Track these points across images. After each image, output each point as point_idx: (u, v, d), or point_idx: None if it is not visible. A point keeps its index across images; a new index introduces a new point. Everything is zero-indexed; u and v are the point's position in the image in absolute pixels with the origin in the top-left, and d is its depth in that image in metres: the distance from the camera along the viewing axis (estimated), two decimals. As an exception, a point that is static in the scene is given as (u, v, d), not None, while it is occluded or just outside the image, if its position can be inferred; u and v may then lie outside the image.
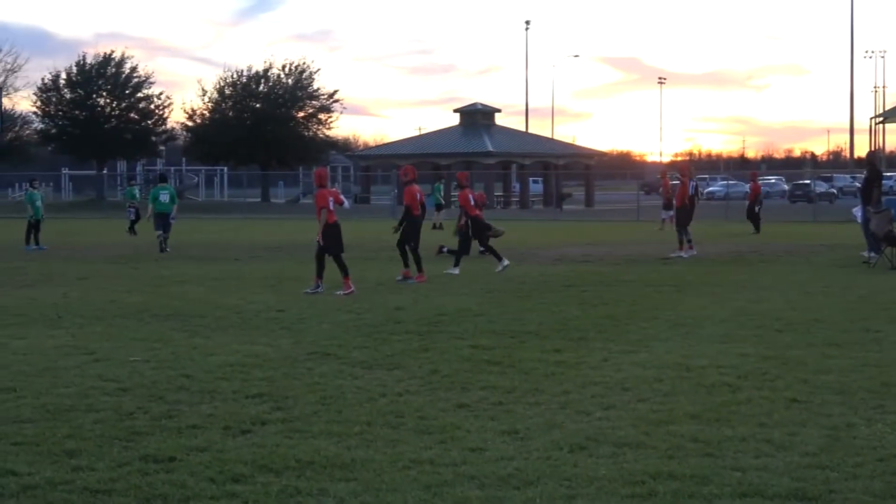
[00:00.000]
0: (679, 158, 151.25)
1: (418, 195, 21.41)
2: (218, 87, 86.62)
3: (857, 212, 26.03)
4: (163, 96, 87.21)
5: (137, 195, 41.92)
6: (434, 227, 41.84)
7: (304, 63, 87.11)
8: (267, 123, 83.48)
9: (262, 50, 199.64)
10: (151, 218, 30.77)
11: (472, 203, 23.77)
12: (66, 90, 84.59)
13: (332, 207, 19.02)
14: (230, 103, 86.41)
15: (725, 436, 8.39)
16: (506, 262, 23.02)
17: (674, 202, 30.15)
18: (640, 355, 12.14)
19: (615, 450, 8.02)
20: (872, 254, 24.94)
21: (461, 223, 25.22)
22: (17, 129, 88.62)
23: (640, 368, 11.30)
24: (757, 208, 39.27)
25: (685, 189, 27.90)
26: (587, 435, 8.44)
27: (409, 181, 21.40)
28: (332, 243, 18.98)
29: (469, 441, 8.30)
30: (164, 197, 30.84)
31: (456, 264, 23.00)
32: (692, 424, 8.77)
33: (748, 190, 43.35)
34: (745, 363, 11.55)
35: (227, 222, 53.43)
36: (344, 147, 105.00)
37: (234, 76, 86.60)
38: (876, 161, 27.30)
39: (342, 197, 20.08)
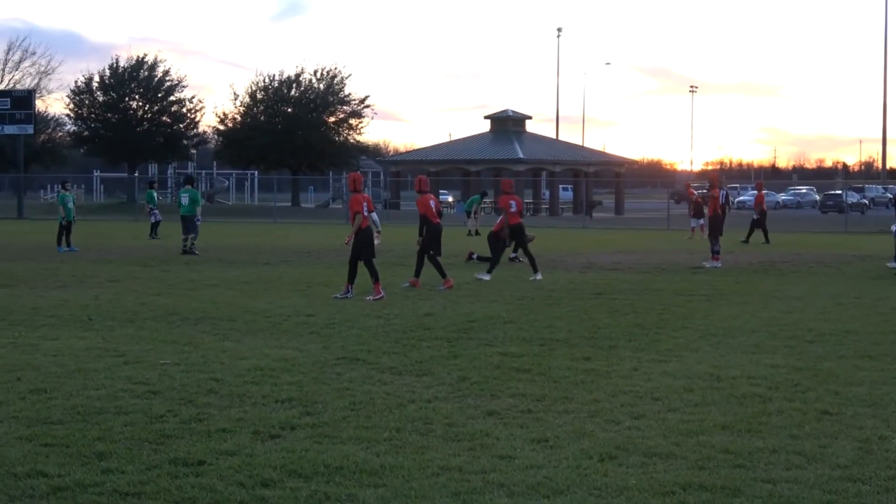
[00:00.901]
0: (710, 167, 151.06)
1: (432, 203, 21.55)
2: (250, 91, 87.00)
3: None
4: (195, 100, 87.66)
5: (156, 198, 42.16)
6: (469, 233, 42.02)
7: (335, 68, 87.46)
8: (298, 128, 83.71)
9: (294, 54, 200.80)
10: None
11: (514, 210, 23.64)
12: (98, 93, 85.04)
13: (365, 213, 19.06)
14: (262, 107, 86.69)
15: (756, 447, 8.34)
16: (539, 275, 22.92)
17: (705, 211, 30.06)
18: (670, 365, 12.09)
19: (645, 459, 7.99)
20: (894, 264, 24.95)
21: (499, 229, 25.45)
22: (49, 131, 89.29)
23: (671, 378, 11.25)
24: (755, 217, 38.92)
25: (716, 199, 27.79)
26: (617, 444, 8.41)
27: (421, 191, 21.65)
28: (363, 248, 19.01)
29: (498, 449, 8.28)
30: (184, 200, 31.26)
31: (489, 271, 22.95)
32: (723, 435, 8.73)
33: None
34: (777, 374, 11.49)
35: (258, 226, 53.57)
36: (374, 152, 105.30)
37: (266, 80, 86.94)
38: None
39: (373, 205, 20.15)
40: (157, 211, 40.78)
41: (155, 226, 40.17)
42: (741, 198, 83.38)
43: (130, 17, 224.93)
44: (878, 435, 8.76)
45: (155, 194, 42.50)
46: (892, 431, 8.88)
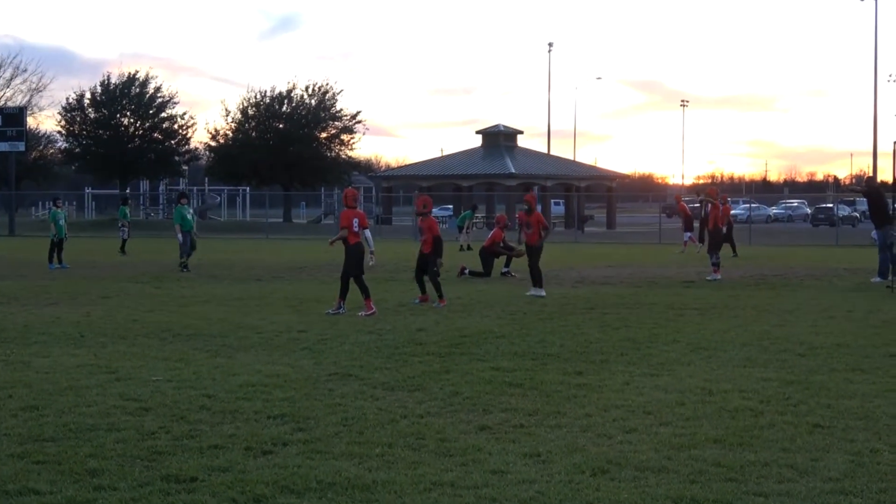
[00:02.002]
0: (701, 181, 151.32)
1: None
2: (241, 107, 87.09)
3: (876, 235, 26.05)
4: (186, 116, 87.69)
5: (129, 215, 42.18)
6: (461, 248, 42.05)
7: (327, 84, 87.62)
8: (290, 144, 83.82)
9: (285, 70, 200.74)
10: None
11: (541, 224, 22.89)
12: (90, 110, 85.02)
13: (355, 229, 19.07)
14: (253, 123, 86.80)
15: (748, 460, 8.35)
16: (542, 292, 22.41)
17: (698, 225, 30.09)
18: (662, 379, 12.10)
19: (637, 474, 8.00)
20: (879, 278, 25.01)
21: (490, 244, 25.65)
22: (41, 148, 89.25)
23: (663, 392, 11.26)
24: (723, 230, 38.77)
25: (717, 212, 27.92)
26: (609, 458, 8.42)
27: (425, 213, 21.59)
28: (352, 265, 19.01)
29: (490, 463, 8.28)
30: (188, 215, 31.21)
31: (536, 284, 22.61)
32: (715, 449, 8.74)
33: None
34: (768, 387, 11.50)
35: (249, 242, 53.54)
36: (366, 168, 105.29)
37: (258, 96, 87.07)
38: (874, 183, 27.60)
39: (367, 221, 20.10)
40: (125, 228, 40.92)
41: (126, 242, 40.37)
42: (732, 211, 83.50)
43: (121, 33, 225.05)
44: (869, 448, 8.77)
45: (127, 210, 42.48)
46: (883, 444, 8.90)
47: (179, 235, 30.72)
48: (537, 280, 22.63)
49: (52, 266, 32.21)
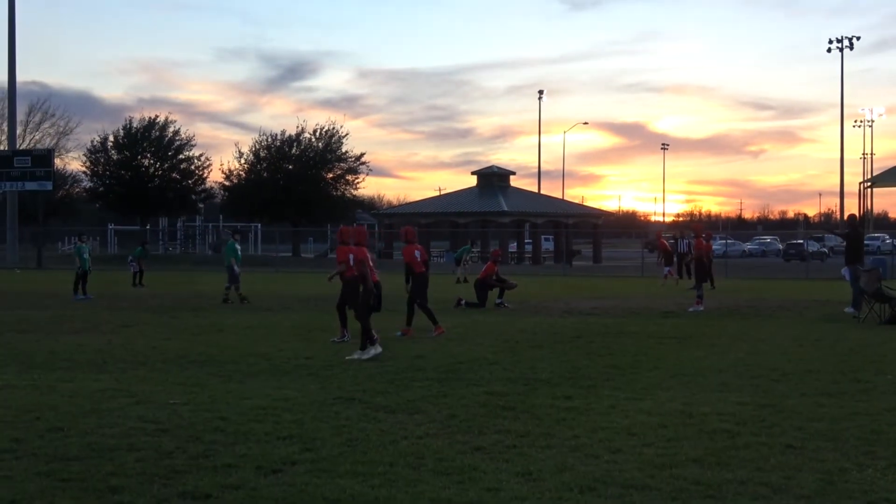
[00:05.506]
0: (681, 219, 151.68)
1: (417, 253, 20.78)
2: (254, 149, 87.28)
3: (846, 272, 26.00)
4: (202, 158, 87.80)
5: (140, 254, 42.10)
6: (458, 281, 42.02)
7: (333, 128, 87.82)
8: (298, 183, 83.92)
9: (293, 115, 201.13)
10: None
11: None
12: (113, 152, 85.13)
13: (352, 263, 18.96)
14: (265, 165, 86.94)
15: (725, 479, 8.33)
16: (366, 353, 16.45)
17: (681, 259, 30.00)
18: (645, 403, 12.08)
19: (622, 491, 7.97)
20: (852, 309, 24.96)
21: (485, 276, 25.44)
22: (67, 187, 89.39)
23: (646, 415, 11.24)
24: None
25: (700, 246, 27.93)
26: (596, 477, 8.39)
27: (408, 241, 21.08)
28: (350, 297, 18.92)
29: (485, 482, 8.26)
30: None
31: (363, 342, 16.69)
32: (694, 468, 8.71)
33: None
34: (744, 411, 11.48)
35: (260, 275, 53.44)
36: (369, 206, 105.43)
37: (269, 140, 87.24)
38: (856, 223, 27.34)
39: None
40: (134, 263, 41.13)
41: (137, 275, 40.38)
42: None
43: (140, 80, 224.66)
44: (838, 467, 8.75)
45: (142, 251, 42.34)
46: (851, 464, 8.88)
47: (236, 268, 30.46)
48: (366, 335, 16.81)
49: (77, 297, 32.17)
